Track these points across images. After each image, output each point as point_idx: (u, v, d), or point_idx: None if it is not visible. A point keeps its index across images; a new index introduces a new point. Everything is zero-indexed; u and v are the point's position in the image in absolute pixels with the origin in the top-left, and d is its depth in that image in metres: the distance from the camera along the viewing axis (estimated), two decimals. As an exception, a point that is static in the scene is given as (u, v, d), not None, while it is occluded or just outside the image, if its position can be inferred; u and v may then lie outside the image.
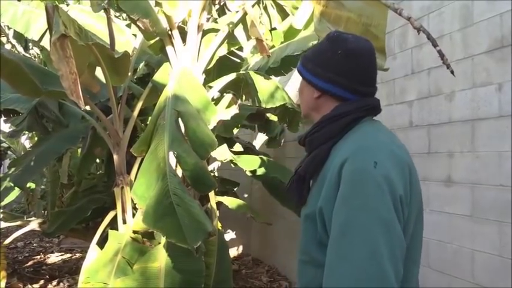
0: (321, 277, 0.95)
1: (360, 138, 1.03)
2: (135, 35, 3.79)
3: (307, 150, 1.13)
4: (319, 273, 0.97)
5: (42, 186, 7.76)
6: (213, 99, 3.11)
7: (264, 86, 3.09)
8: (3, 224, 3.93)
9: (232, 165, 3.58)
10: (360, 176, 0.92)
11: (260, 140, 5.44)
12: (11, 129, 5.47)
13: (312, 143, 1.11)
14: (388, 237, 0.88)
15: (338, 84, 1.09)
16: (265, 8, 3.26)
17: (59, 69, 1.90)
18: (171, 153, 2.22)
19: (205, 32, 3.13)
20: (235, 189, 4.90)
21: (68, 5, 4.26)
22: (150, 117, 2.78)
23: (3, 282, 3.54)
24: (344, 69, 1.09)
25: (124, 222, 2.93)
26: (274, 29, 3.36)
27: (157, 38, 3.04)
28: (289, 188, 1.18)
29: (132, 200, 2.75)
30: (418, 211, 1.04)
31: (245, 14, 3.03)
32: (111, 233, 2.72)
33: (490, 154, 2.35)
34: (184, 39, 2.95)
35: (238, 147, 4.28)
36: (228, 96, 3.13)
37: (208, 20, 3.17)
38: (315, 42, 2.94)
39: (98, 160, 5.04)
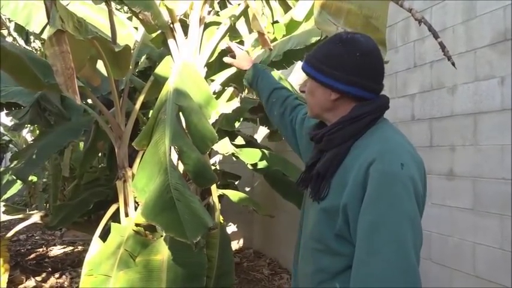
0: (337, 263, 1.07)
1: (384, 139, 1.08)
2: (136, 28, 3.78)
3: (324, 147, 1.16)
4: (335, 260, 1.08)
5: (44, 180, 7.78)
6: (214, 93, 3.10)
7: (266, 78, 3.08)
8: (6, 217, 3.94)
9: (234, 158, 3.58)
10: (388, 177, 0.99)
11: (262, 133, 5.44)
12: (14, 123, 5.47)
13: (332, 141, 1.14)
14: (414, 233, 0.96)
15: (359, 86, 1.13)
16: (267, 1, 3.24)
17: (54, 64, 1.89)
18: (172, 147, 2.22)
19: (207, 25, 3.12)
20: (236, 182, 4.91)
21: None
22: (151, 111, 2.78)
23: (6, 275, 3.56)
24: (363, 70, 1.13)
25: (126, 215, 2.94)
26: (276, 22, 3.35)
27: (159, 31, 3.02)
28: (302, 181, 1.23)
29: (134, 193, 2.76)
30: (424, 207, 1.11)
31: (247, 7, 3.01)
32: (114, 226, 2.73)
33: (492, 147, 2.35)
34: (186, 33, 2.94)
35: (240, 140, 4.28)
36: (229, 90, 3.12)
37: (209, 13, 3.16)
38: (317, 36, 2.92)
39: (100, 153, 5.05)
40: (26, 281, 4.41)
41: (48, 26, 2.06)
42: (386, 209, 0.96)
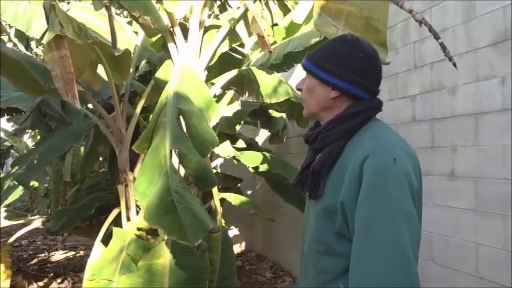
0: (338, 264, 1.07)
1: (376, 136, 1.10)
2: (136, 33, 3.79)
3: (320, 146, 1.17)
4: (337, 261, 1.08)
5: (46, 185, 7.79)
6: (215, 96, 3.11)
7: (267, 81, 3.09)
8: (7, 223, 3.94)
9: (235, 161, 3.58)
10: (381, 171, 1.00)
11: (263, 136, 5.44)
12: (14, 128, 5.49)
13: (327, 139, 1.15)
14: (409, 227, 0.97)
15: (360, 86, 1.15)
16: (266, 4, 3.25)
17: (53, 69, 1.90)
18: (172, 151, 2.22)
19: (206, 29, 3.13)
20: (238, 185, 4.91)
21: (68, 2, 4.25)
22: (152, 115, 2.78)
23: (8, 281, 3.56)
24: (365, 71, 1.16)
25: (128, 219, 2.94)
26: (276, 24, 3.35)
27: (159, 35, 3.03)
28: (298, 183, 1.24)
29: (136, 197, 2.77)
30: (421, 203, 1.11)
31: (246, 10, 3.02)
32: (115, 230, 2.73)
33: (494, 148, 2.34)
34: (186, 36, 2.94)
35: (241, 143, 4.28)
36: (230, 93, 3.12)
37: (209, 16, 3.17)
38: (317, 38, 2.93)
39: (100, 158, 5.05)
40: (28, 286, 4.41)
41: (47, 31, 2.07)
42: (380, 202, 0.98)
